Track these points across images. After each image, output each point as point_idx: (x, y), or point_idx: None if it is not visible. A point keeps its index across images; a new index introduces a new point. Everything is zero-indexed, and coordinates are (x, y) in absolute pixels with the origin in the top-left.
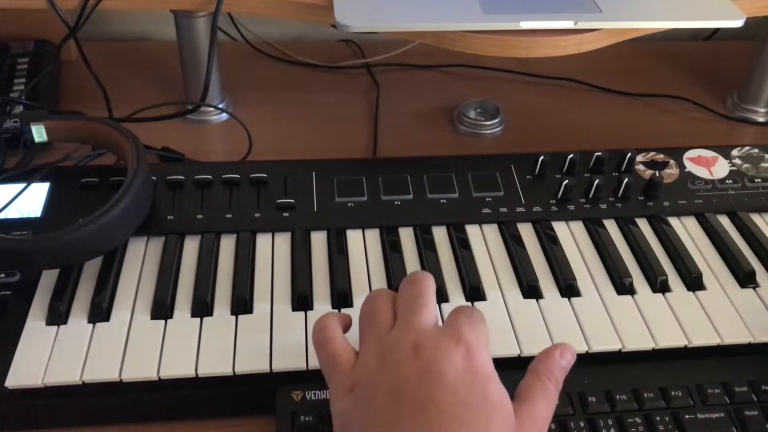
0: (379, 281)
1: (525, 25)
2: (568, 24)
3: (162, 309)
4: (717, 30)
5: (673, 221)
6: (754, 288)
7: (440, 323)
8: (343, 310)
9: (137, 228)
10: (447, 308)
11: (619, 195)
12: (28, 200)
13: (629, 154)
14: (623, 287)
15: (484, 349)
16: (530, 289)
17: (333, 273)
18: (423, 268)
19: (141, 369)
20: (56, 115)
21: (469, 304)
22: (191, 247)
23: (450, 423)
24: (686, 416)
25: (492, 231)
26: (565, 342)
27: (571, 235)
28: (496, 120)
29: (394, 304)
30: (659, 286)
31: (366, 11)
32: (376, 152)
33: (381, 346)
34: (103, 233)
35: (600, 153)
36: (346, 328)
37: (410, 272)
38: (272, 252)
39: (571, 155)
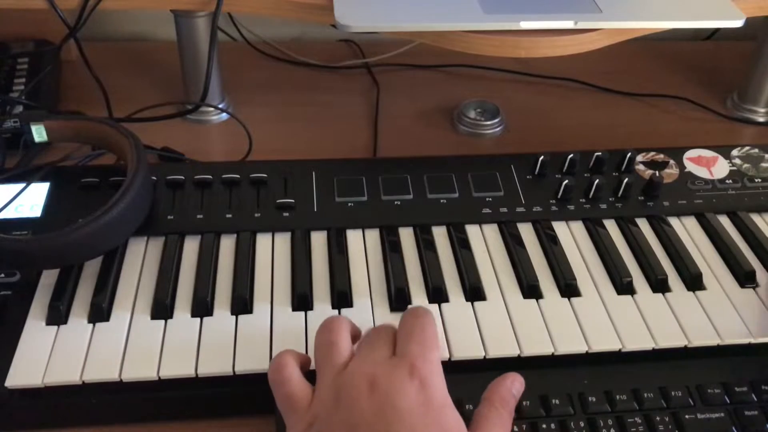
0: (379, 281)
1: (525, 25)
2: (568, 24)
3: (162, 309)
4: (717, 30)
5: (673, 221)
6: (754, 288)
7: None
8: (344, 311)
9: (137, 228)
10: (447, 308)
11: (619, 195)
12: (28, 200)
13: (629, 154)
14: (623, 287)
15: (438, 377)
16: (530, 289)
17: (333, 273)
18: (423, 268)
19: (141, 369)
20: (56, 115)
21: (422, 305)
22: (191, 247)
23: None
24: (686, 416)
25: (492, 231)
26: (514, 372)
27: (571, 235)
28: (496, 120)
29: (352, 334)
30: (659, 286)
31: (366, 11)
32: (376, 152)
33: (337, 381)
34: (103, 233)
35: (600, 153)
36: (305, 365)
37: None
38: (272, 252)
39: (571, 155)
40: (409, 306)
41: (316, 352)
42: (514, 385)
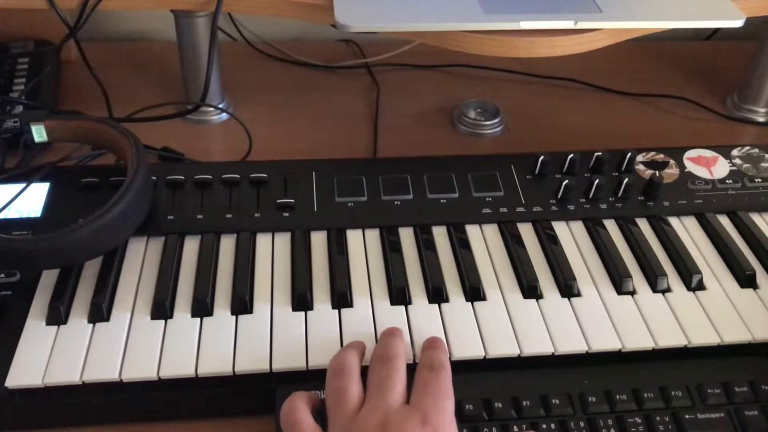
0: (379, 281)
1: (525, 25)
2: (568, 24)
3: (162, 309)
4: (717, 30)
5: (673, 221)
6: (754, 288)
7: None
8: (344, 311)
9: (137, 228)
10: (447, 308)
11: (619, 195)
12: (28, 200)
13: (629, 154)
14: (623, 287)
15: (451, 428)
16: (530, 289)
17: (333, 273)
18: (423, 268)
19: (141, 369)
20: (56, 115)
21: (437, 369)
22: (191, 247)
23: None
24: (686, 416)
25: (492, 231)
26: None
27: (571, 235)
28: (496, 120)
29: (360, 372)
30: (659, 286)
31: (366, 11)
32: (376, 152)
33: (348, 428)
34: (103, 233)
35: (600, 153)
36: (315, 407)
37: (382, 335)
38: (272, 252)
39: (571, 155)
40: (426, 339)
41: (327, 397)
42: None
